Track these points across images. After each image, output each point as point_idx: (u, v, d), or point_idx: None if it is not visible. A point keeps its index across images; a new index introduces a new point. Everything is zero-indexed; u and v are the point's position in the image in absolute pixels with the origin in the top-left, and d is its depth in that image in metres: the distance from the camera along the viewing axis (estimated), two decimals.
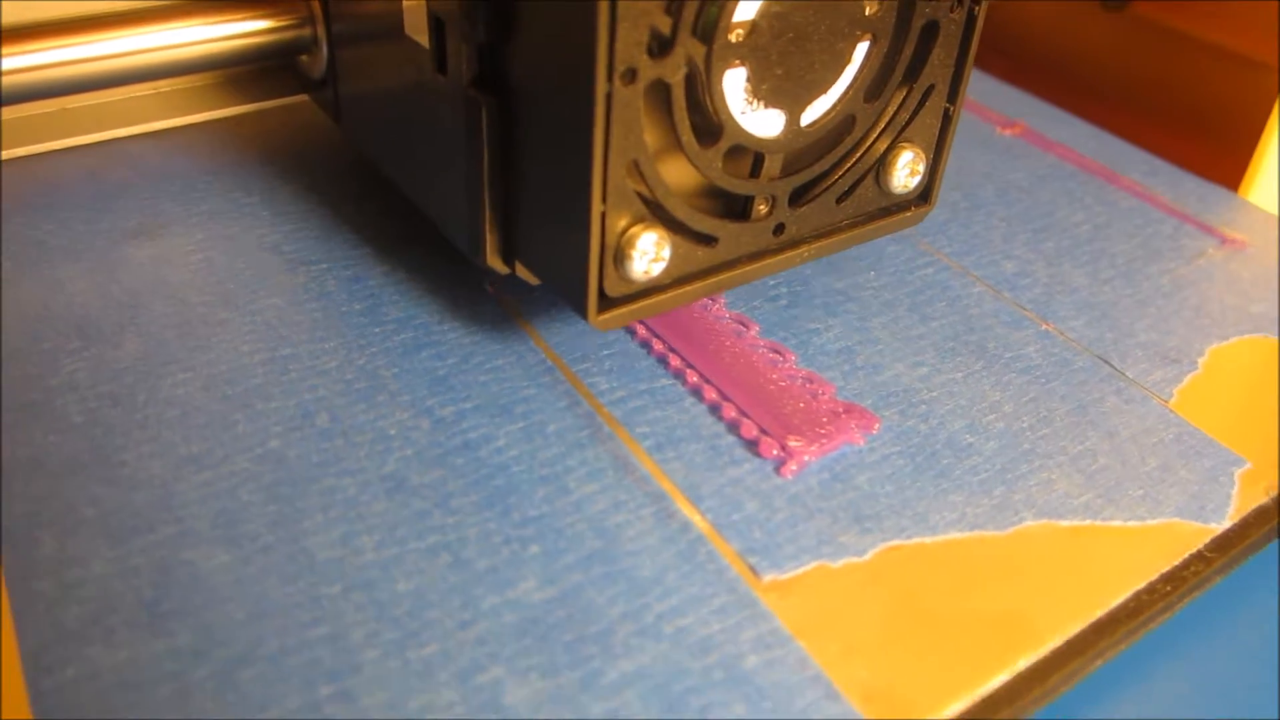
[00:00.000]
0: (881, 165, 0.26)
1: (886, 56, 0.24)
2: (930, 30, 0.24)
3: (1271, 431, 0.27)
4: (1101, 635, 0.22)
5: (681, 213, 0.23)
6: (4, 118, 0.31)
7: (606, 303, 0.23)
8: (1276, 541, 0.26)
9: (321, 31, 0.30)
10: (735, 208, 0.24)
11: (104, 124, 0.33)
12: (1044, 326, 0.29)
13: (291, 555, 0.21)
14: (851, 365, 0.27)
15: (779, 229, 0.25)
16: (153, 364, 0.25)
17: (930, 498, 0.24)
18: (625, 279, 0.22)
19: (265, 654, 0.19)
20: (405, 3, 0.24)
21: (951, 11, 0.24)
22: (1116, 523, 0.24)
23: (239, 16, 0.30)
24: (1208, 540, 0.24)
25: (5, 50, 0.28)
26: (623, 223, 0.22)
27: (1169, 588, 0.23)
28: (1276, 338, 0.30)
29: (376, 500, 0.22)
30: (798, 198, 0.25)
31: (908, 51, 0.24)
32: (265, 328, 0.26)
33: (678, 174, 0.23)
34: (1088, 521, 0.24)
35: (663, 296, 0.23)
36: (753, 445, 0.24)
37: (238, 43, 0.31)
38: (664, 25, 0.20)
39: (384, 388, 0.25)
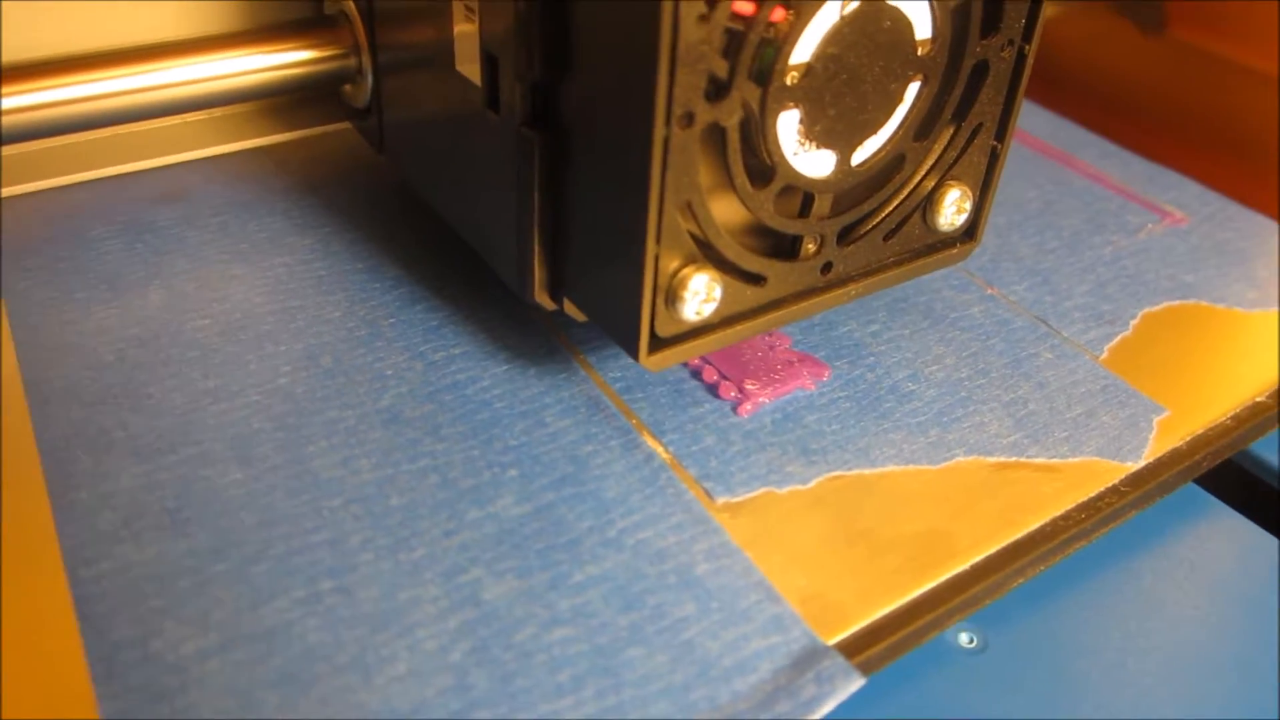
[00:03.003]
0: (929, 203, 0.26)
1: (937, 96, 0.24)
2: (980, 70, 0.24)
3: (1193, 384, 0.30)
4: (1020, 554, 0.24)
5: (732, 253, 0.23)
6: (54, 145, 0.32)
7: (657, 343, 0.23)
8: (1192, 482, 0.28)
9: (367, 61, 0.30)
10: (784, 246, 0.24)
11: (140, 153, 0.33)
12: (989, 291, 0.32)
13: (297, 474, 0.24)
14: (808, 321, 0.30)
15: (827, 267, 0.25)
16: (175, 312, 0.28)
17: (872, 436, 0.27)
18: (676, 319, 0.22)
19: (274, 554, 0.22)
20: (457, 29, 0.25)
21: (1002, 51, 0.24)
22: (1040, 459, 0.27)
23: (284, 47, 0.31)
24: (1123, 476, 0.26)
25: (61, 80, 0.28)
26: (675, 264, 0.22)
27: (1084, 515, 0.25)
28: (1206, 303, 0.33)
29: (374, 429, 0.25)
30: (845, 236, 0.25)
31: (958, 91, 0.24)
32: (276, 282, 0.29)
33: (726, 211, 0.22)
34: (1014, 458, 0.26)
35: (712, 336, 0.23)
36: (713, 388, 0.27)
37: (283, 73, 0.31)
38: (721, 69, 0.20)
39: (382, 335, 0.28)
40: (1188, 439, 0.28)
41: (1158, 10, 0.43)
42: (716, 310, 0.23)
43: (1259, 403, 0.29)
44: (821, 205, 0.24)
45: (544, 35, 0.22)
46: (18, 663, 0.20)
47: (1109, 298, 0.32)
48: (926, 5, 0.22)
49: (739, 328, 0.24)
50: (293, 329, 0.28)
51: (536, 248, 0.24)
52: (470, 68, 0.24)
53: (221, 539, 0.22)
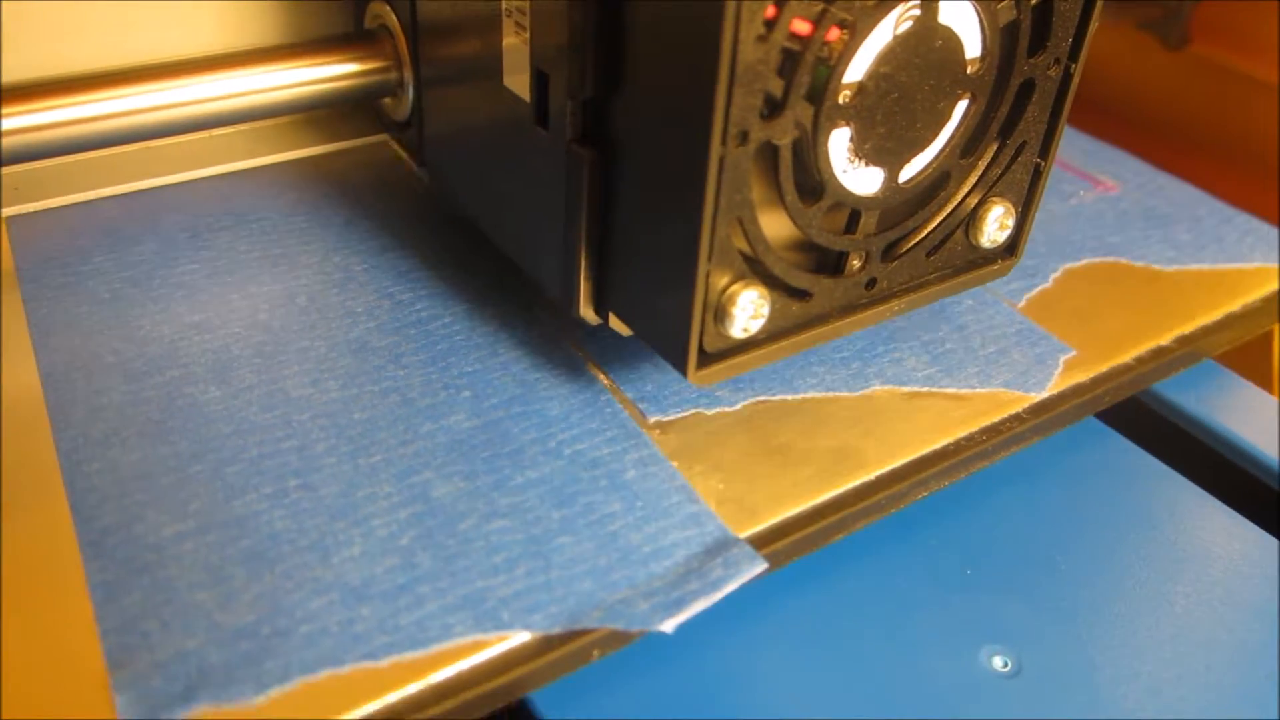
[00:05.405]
0: (972, 220, 0.26)
1: (984, 114, 0.24)
2: (1027, 88, 0.25)
3: (1103, 330, 0.32)
4: (924, 467, 0.27)
5: (780, 269, 0.23)
6: (101, 156, 0.33)
7: (705, 359, 0.23)
8: (1093, 415, 0.31)
9: (409, 74, 0.31)
10: (829, 262, 0.24)
11: (164, 168, 0.34)
12: None
13: (271, 393, 0.26)
14: None
15: (871, 283, 0.25)
16: (166, 258, 0.31)
17: (797, 368, 0.29)
18: (724, 335, 0.23)
19: (247, 457, 0.25)
20: (505, 42, 0.24)
21: (1049, 69, 0.24)
22: (951, 390, 0.29)
23: (325, 61, 0.31)
24: (1026, 405, 0.29)
25: (108, 94, 0.30)
26: (724, 280, 0.22)
27: (985, 437, 0.28)
28: (1126, 261, 0.35)
29: (343, 357, 0.28)
30: (889, 252, 0.25)
31: (1004, 109, 0.24)
32: (260, 233, 0.32)
33: (771, 227, 0.22)
34: (927, 388, 0.29)
35: (757, 352, 0.24)
36: None
37: (325, 86, 0.32)
38: (777, 88, 0.20)
39: (355, 279, 0.31)
40: (1091, 376, 0.30)
41: (1182, 27, 0.45)
42: (763, 326, 0.23)
43: (1162, 346, 0.32)
44: (868, 221, 0.24)
45: (598, 52, 0.22)
46: (17, 548, 0.23)
47: (1034, 254, 0.35)
48: (977, 24, 0.23)
49: (784, 343, 0.24)
50: (273, 272, 0.30)
51: (583, 264, 0.24)
52: (518, 81, 0.24)
53: (200, 445, 0.25)
